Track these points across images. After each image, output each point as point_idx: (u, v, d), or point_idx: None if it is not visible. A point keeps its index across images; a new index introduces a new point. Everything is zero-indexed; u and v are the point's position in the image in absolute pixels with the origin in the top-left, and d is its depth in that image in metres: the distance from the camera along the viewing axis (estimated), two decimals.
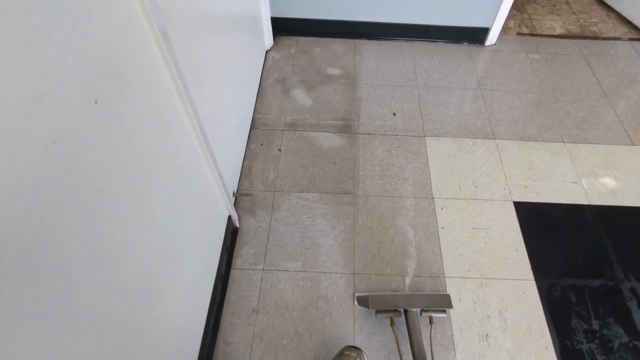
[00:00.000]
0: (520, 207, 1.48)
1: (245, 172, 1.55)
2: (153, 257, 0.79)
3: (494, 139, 1.70)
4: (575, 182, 1.56)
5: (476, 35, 2.12)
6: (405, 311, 1.16)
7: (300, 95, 1.83)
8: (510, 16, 2.26)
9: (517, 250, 1.37)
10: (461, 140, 1.69)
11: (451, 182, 1.54)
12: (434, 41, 2.13)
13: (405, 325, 1.16)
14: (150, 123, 0.75)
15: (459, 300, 1.25)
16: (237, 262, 1.31)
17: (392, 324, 1.17)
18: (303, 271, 1.30)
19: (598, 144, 1.70)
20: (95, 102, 0.56)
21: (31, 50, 0.44)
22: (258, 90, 1.84)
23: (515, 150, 1.66)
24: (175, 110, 0.86)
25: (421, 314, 1.19)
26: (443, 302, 1.20)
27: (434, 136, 1.70)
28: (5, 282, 0.41)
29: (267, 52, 2.02)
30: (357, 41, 2.10)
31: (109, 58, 0.60)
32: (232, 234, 1.35)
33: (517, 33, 2.22)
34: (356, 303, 1.24)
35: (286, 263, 1.31)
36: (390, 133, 1.70)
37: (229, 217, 1.33)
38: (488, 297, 1.26)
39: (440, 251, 1.36)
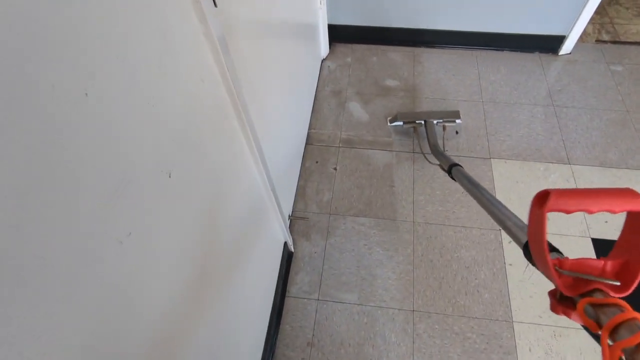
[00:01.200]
0: (600, 245, 1.34)
1: (300, 192, 1.51)
2: (221, 299, 0.76)
3: (569, 164, 1.55)
4: None
5: (549, 44, 1.93)
6: (425, 122, 1.57)
7: (357, 109, 1.76)
8: (589, 21, 2.04)
9: None
10: (531, 164, 1.55)
11: (520, 211, 1.41)
12: (500, 50, 1.97)
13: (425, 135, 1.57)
14: (218, 166, 0.72)
15: (529, 350, 1.16)
16: (292, 289, 1.29)
17: (415, 131, 1.64)
18: (359, 304, 1.25)
19: None
20: (170, 176, 0.53)
21: (110, 142, 0.40)
22: (313, 103, 1.78)
23: (594, 178, 1.50)
24: (238, 142, 0.82)
25: (437, 123, 1.58)
26: (454, 115, 1.60)
27: (501, 158, 1.57)
28: None
29: (322, 61, 1.96)
30: (417, 50, 1.99)
31: (184, 128, 0.56)
32: (287, 260, 1.32)
33: (596, 40, 2.01)
34: (389, 124, 1.67)
35: (342, 294, 1.27)
36: (452, 153, 1.59)
37: (285, 243, 1.30)
38: (563, 349, 1.15)
39: (508, 291, 1.26)
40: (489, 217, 1.41)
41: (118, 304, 0.43)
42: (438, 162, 1.16)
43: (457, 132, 1.66)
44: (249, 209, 0.96)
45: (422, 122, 1.57)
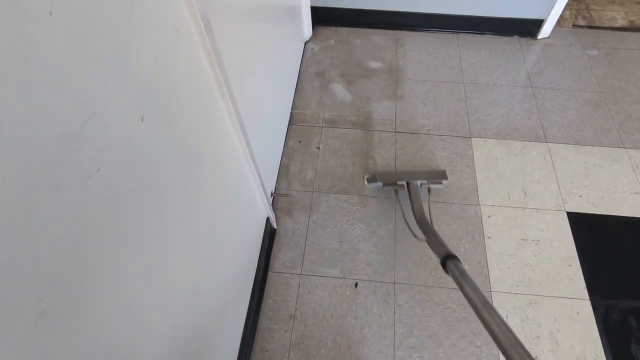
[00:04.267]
0: (574, 218, 1.38)
1: (283, 170, 1.51)
2: (199, 265, 0.76)
3: (546, 142, 1.59)
4: (637, 193, 1.44)
5: (528, 28, 1.97)
6: (408, 183, 1.37)
7: (340, 90, 1.76)
8: (566, 6, 2.08)
9: (570, 265, 1.28)
10: (510, 143, 1.58)
11: (499, 188, 1.45)
12: (481, 33, 2.00)
13: (407, 197, 1.36)
14: (197, 127, 0.72)
15: (506, 317, 1.19)
16: (275, 265, 1.29)
17: (396, 194, 1.40)
18: (341, 278, 1.26)
19: None
20: (142, 120, 0.52)
21: (73, 70, 0.40)
22: (296, 84, 1.78)
23: (569, 156, 1.54)
24: (218, 110, 0.82)
25: (421, 186, 1.39)
26: (440, 176, 1.41)
27: (481, 137, 1.60)
28: (54, 319, 0.39)
29: (305, 43, 1.95)
30: (400, 32, 2.00)
31: (155, 68, 0.55)
32: (269, 236, 1.32)
33: (573, 25, 2.05)
34: (366, 183, 1.44)
35: (324, 268, 1.28)
36: (434, 132, 1.61)
37: (267, 219, 1.30)
38: (538, 316, 1.19)
39: (487, 263, 1.29)
40: (469, 191, 1.44)
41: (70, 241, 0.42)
42: (425, 239, 1.04)
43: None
44: (232, 180, 0.95)
45: (404, 183, 1.38)
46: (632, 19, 2.07)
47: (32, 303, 0.35)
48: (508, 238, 1.34)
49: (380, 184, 1.41)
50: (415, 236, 1.22)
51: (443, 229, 1.36)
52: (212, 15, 0.69)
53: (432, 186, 1.40)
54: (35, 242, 0.35)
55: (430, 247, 1.00)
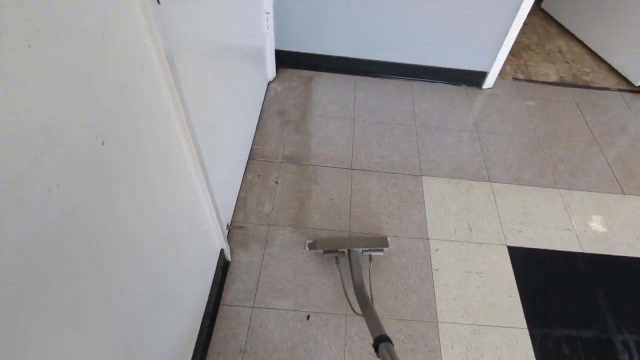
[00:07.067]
0: (514, 252, 1.48)
1: (240, 204, 1.54)
2: (145, 295, 0.76)
3: (490, 181, 1.72)
4: (569, 229, 1.57)
5: (474, 79, 2.18)
6: (349, 251, 1.35)
7: (300, 129, 1.85)
8: (507, 61, 2.32)
9: (510, 296, 1.36)
10: (458, 182, 1.70)
11: (447, 223, 1.54)
12: (433, 82, 2.18)
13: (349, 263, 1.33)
14: (154, 158, 0.75)
15: (452, 347, 1.23)
16: (227, 298, 1.28)
17: (337, 262, 1.36)
18: (294, 310, 1.27)
19: (590, 191, 1.72)
20: (103, 144, 0.56)
21: (44, 94, 0.44)
22: (258, 121, 1.85)
23: (510, 194, 1.67)
24: (177, 142, 0.86)
25: (362, 253, 1.37)
26: (381, 243, 1.40)
27: (431, 176, 1.71)
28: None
29: (269, 84, 2.05)
30: (358, 78, 2.15)
31: (119, 98, 0.60)
32: (223, 268, 1.32)
33: (513, 78, 2.28)
34: (307, 249, 1.41)
35: (277, 301, 1.29)
36: (387, 171, 1.71)
37: (221, 251, 1.31)
38: (481, 345, 1.24)
39: (434, 295, 1.34)
40: (419, 226, 1.52)
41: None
42: (362, 315, 1.00)
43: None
44: (186, 209, 0.97)
45: (346, 251, 1.36)
46: (562, 75, 2.33)
47: None
48: (454, 270, 1.41)
49: (321, 251, 1.37)
50: (354, 310, 1.21)
51: (394, 262, 1.41)
52: (177, 53, 0.75)
53: (374, 254, 1.37)
54: None
55: (366, 323, 0.96)
